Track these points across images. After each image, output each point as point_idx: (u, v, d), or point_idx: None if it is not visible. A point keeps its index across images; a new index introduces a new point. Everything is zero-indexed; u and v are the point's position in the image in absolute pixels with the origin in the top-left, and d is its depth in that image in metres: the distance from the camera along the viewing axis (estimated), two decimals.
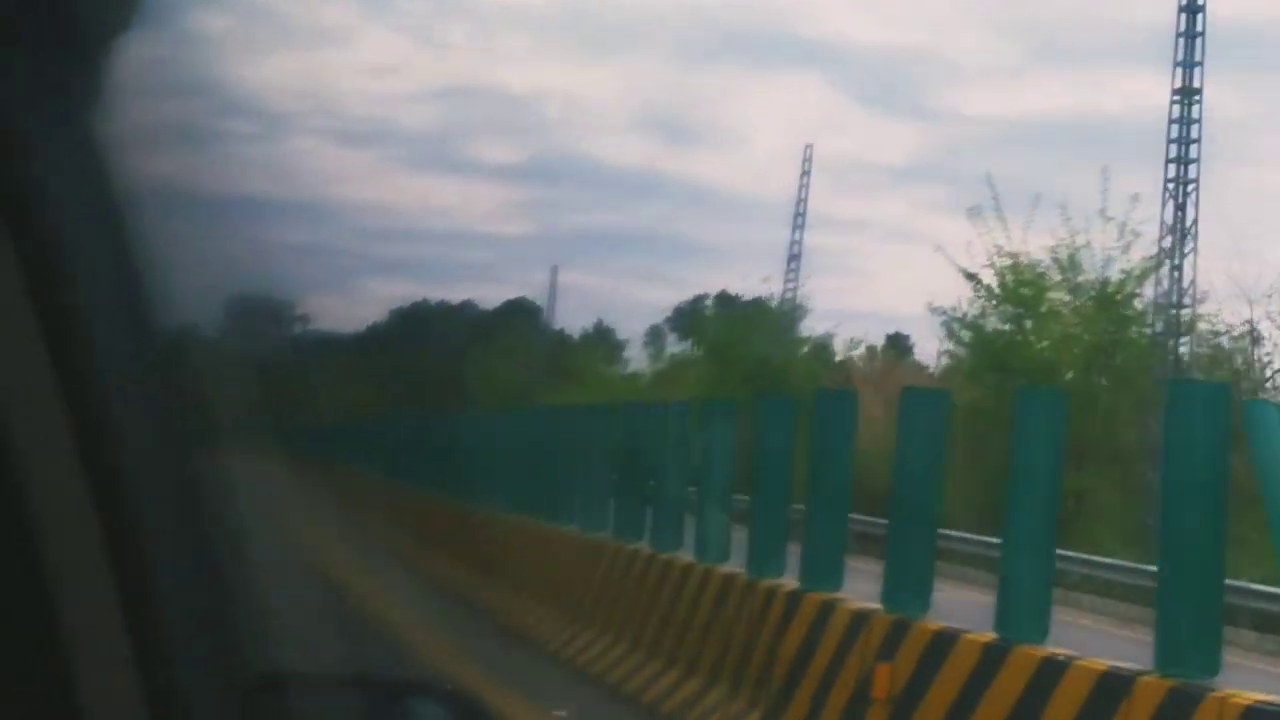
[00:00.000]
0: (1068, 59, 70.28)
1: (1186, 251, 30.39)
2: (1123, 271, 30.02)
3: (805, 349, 43.00)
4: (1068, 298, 30.65)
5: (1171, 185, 30.36)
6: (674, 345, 59.66)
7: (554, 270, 65.79)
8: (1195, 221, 30.30)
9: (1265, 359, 30.99)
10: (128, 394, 1.49)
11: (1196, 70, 30.79)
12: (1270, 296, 30.34)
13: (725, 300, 60.69)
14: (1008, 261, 30.43)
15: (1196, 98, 30.89)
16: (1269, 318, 30.22)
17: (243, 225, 1.69)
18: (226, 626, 1.46)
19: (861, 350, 43.08)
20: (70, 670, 1.44)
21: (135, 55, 1.52)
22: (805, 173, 52.65)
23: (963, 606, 11.59)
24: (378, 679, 1.73)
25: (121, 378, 1.49)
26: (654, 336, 61.92)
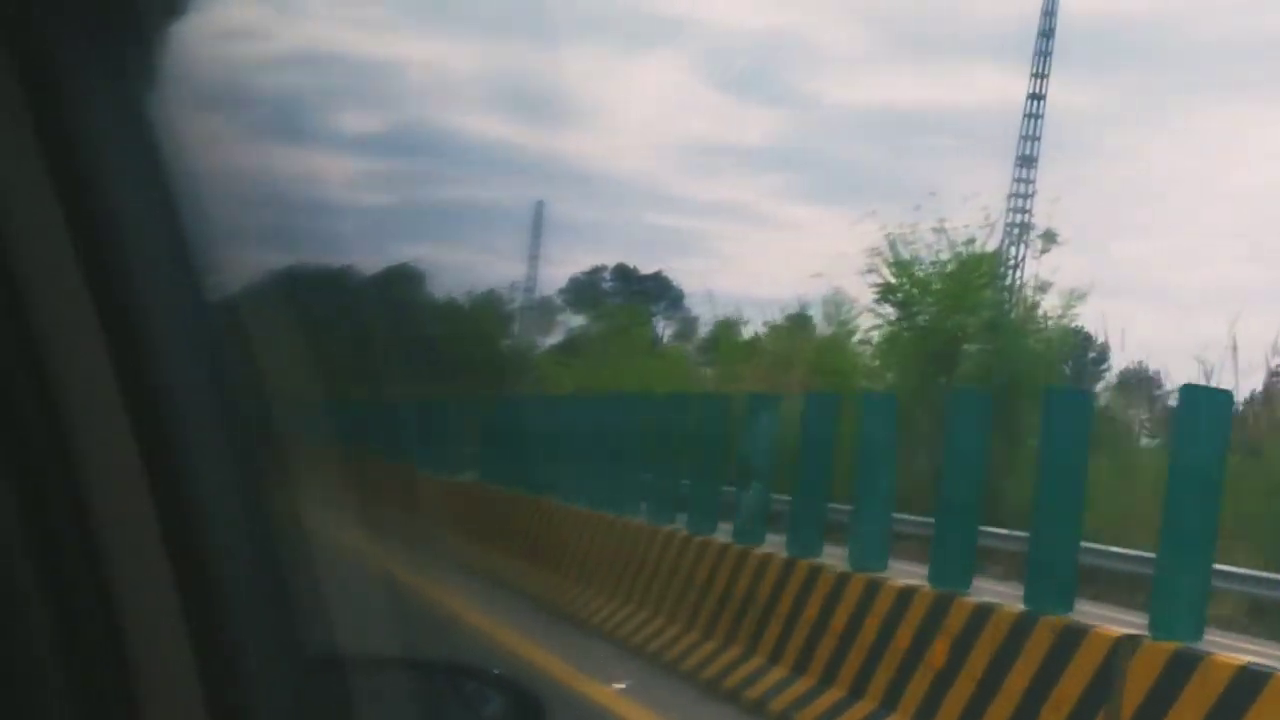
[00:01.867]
0: (928, 51, 72.49)
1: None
2: None
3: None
4: None
5: None
6: (568, 319, 59.25)
7: (539, 206, 64.03)
8: None
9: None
10: (186, 381, 1.53)
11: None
12: None
13: (624, 273, 60.63)
14: None
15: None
16: None
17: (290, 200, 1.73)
18: (283, 609, 1.52)
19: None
20: (128, 652, 1.49)
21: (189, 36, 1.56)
22: (1044, 51, 43.57)
23: None
24: (432, 661, 1.78)
25: (179, 364, 1.53)
26: (545, 310, 61.73)
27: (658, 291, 53.56)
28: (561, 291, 61.61)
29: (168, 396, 1.53)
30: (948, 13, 71.04)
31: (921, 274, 30.74)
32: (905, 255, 30.85)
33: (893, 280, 30.96)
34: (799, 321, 39.92)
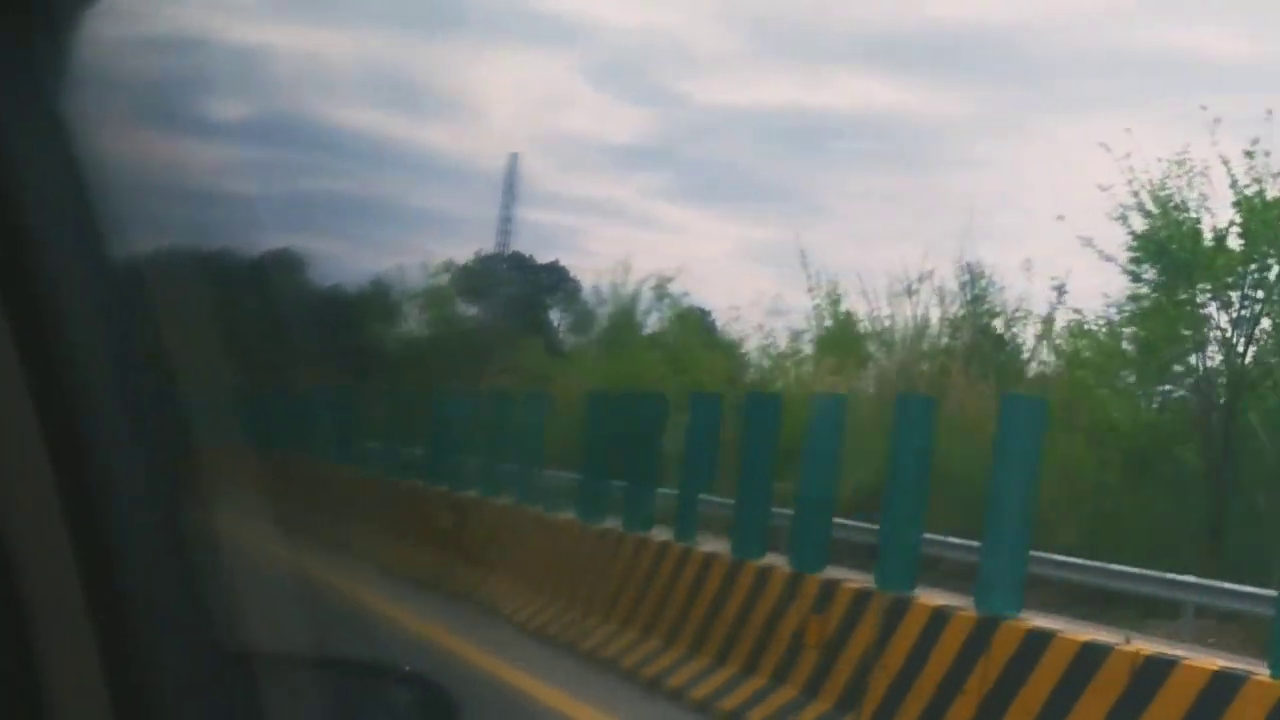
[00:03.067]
0: (796, 55, 74.04)
1: None
2: None
3: None
4: None
5: None
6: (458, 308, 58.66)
7: (513, 160, 61.54)
8: None
9: None
10: (97, 379, 1.54)
11: None
12: None
13: (519, 262, 60.39)
14: None
15: None
16: None
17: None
18: (192, 606, 1.53)
19: None
20: (34, 648, 1.49)
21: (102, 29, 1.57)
22: None
23: None
24: (344, 660, 1.80)
25: (91, 364, 1.54)
26: (433, 300, 61.25)
27: (552, 283, 53.38)
28: (453, 281, 61.09)
29: (77, 393, 1.54)
30: (814, 17, 72.82)
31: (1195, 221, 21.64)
32: (1184, 194, 21.66)
33: (1160, 230, 21.74)
34: (689, 314, 39.48)
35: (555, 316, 53.76)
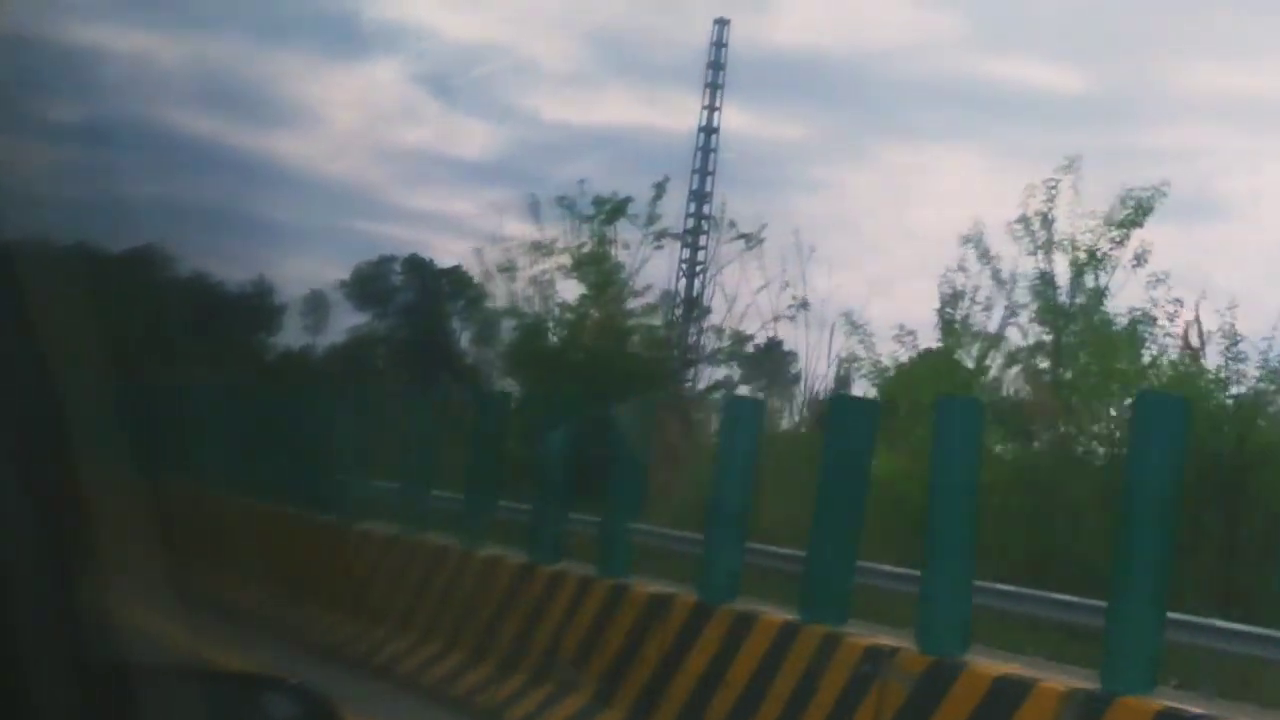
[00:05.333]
0: (640, 73, 75.64)
1: None
2: None
3: None
4: None
5: None
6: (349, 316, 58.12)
7: (720, 30, 56.32)
8: None
9: None
10: None
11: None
12: None
13: (417, 265, 60.07)
14: None
15: None
16: None
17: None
18: (68, 619, 1.56)
19: None
20: None
21: None
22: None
23: None
24: (224, 671, 1.82)
25: None
26: (316, 305, 60.65)
27: (454, 290, 52.96)
28: (344, 285, 60.43)
29: None
30: (655, 38, 74.35)
31: None
32: None
33: None
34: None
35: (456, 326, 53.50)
